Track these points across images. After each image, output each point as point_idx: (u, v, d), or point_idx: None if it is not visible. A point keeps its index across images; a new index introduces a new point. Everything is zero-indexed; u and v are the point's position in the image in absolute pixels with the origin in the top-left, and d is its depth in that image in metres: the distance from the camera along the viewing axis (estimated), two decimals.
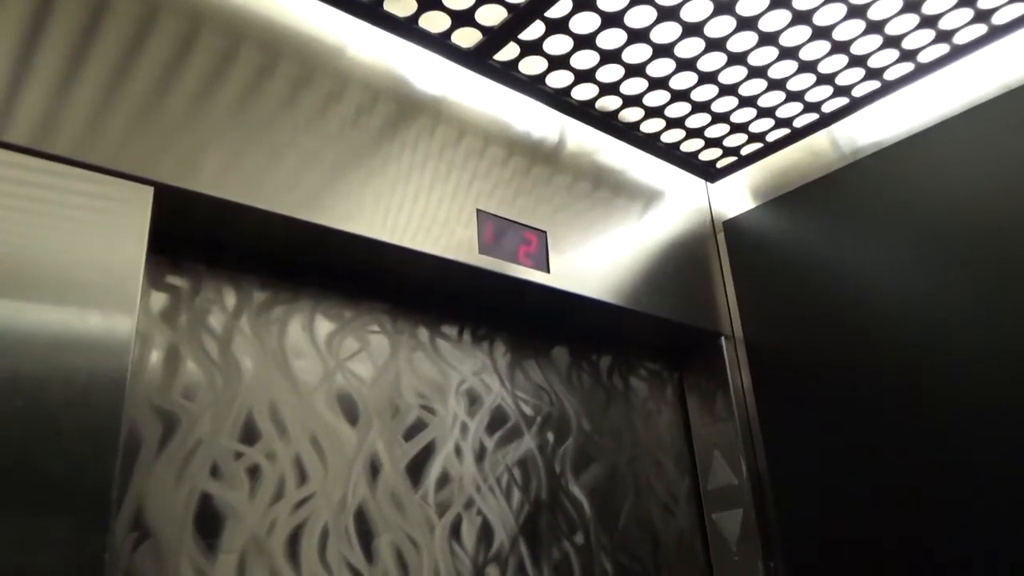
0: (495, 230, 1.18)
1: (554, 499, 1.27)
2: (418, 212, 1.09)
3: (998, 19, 1.24)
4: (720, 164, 1.61)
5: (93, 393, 0.73)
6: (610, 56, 1.24)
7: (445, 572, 1.08)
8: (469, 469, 1.17)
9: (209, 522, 0.89)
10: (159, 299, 0.94)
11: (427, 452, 1.13)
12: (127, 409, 0.77)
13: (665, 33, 1.20)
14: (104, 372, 0.74)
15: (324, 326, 1.08)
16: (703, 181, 1.69)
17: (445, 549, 1.09)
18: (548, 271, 1.23)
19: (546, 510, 1.25)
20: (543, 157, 1.33)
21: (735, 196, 1.64)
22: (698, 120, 1.44)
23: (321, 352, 1.06)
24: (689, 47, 1.24)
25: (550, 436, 1.31)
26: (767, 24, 1.20)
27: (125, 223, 0.80)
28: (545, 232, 1.26)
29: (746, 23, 1.19)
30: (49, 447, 0.69)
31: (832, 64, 1.31)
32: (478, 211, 1.17)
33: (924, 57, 1.32)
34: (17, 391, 0.69)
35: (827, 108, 1.44)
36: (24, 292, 0.72)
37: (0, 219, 0.73)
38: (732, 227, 1.61)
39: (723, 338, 1.54)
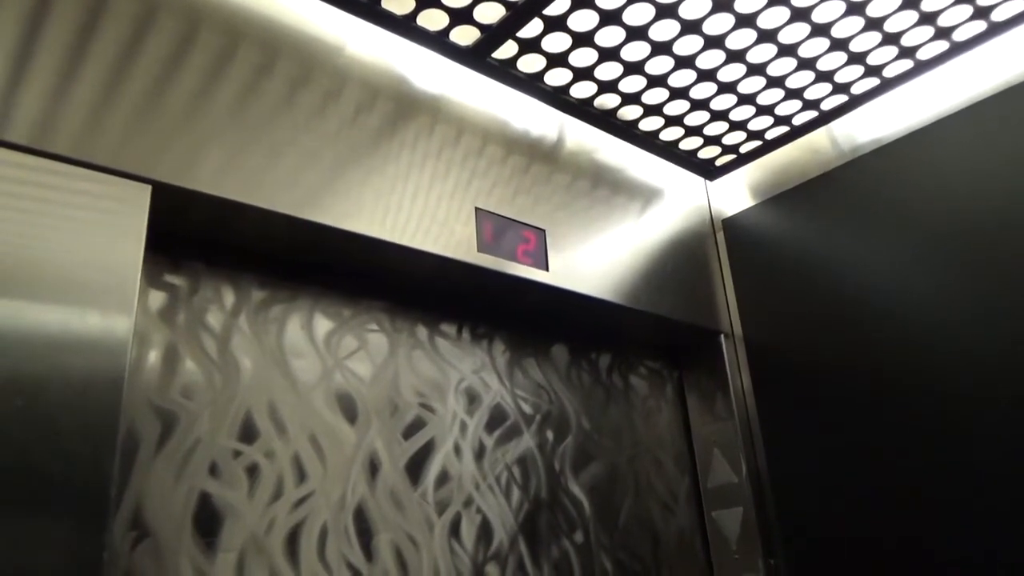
0: (494, 228, 1.18)
1: (554, 497, 1.27)
2: (417, 211, 1.09)
3: (997, 16, 1.23)
4: (719, 162, 1.61)
5: (91, 392, 0.73)
6: (609, 54, 1.24)
7: (445, 570, 1.08)
8: (468, 467, 1.17)
9: (208, 521, 0.89)
10: (157, 298, 0.94)
11: (426, 450, 1.12)
12: (125, 408, 0.77)
13: (663, 31, 1.20)
14: (102, 371, 0.74)
15: (323, 325, 1.08)
16: (702, 179, 1.68)
17: (444, 547, 1.09)
18: (547, 269, 1.23)
19: (546, 508, 1.25)
20: (542, 155, 1.33)
21: (734, 194, 1.63)
22: (697, 118, 1.44)
23: (320, 351, 1.06)
24: (688, 44, 1.24)
25: (549, 435, 1.31)
26: (766, 21, 1.20)
27: (123, 222, 0.80)
28: (544, 230, 1.26)
29: (745, 20, 1.19)
30: (48, 446, 0.69)
31: (831, 61, 1.31)
32: (477, 209, 1.17)
33: (923, 54, 1.31)
34: (16, 391, 0.69)
35: (826, 106, 1.44)
36: (22, 291, 0.72)
37: None
38: (731, 225, 1.61)
39: (723, 336, 1.53)
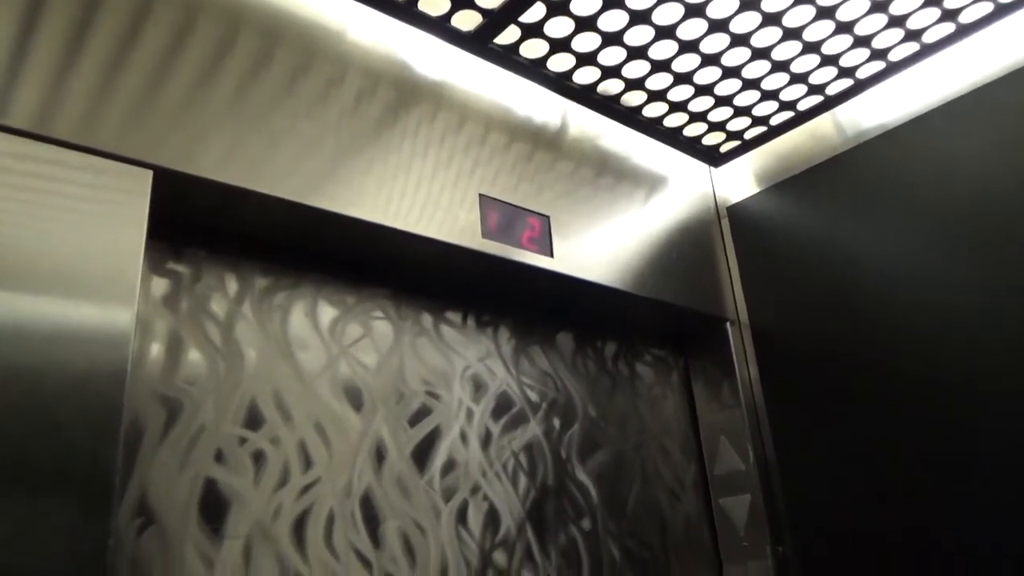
0: (498, 215, 1.17)
1: (561, 485, 1.26)
2: (420, 198, 1.08)
3: None
4: (723, 148, 1.60)
5: (94, 382, 0.72)
6: (612, 38, 1.23)
7: (452, 557, 1.07)
8: (475, 455, 1.16)
9: (214, 507, 0.88)
10: (160, 285, 0.93)
11: (432, 438, 1.12)
12: (129, 396, 0.76)
13: (667, 14, 1.19)
14: (105, 360, 0.73)
15: (327, 312, 1.07)
16: (707, 166, 1.68)
17: (452, 534, 1.08)
18: (552, 256, 1.22)
19: (553, 496, 1.24)
20: (545, 143, 1.32)
21: (739, 181, 1.63)
22: (701, 104, 1.43)
23: (324, 338, 1.05)
24: (692, 28, 1.23)
25: (556, 422, 1.31)
26: (770, 4, 1.19)
27: (125, 209, 0.80)
28: (548, 217, 1.25)
29: (749, 3, 1.18)
30: (50, 437, 0.69)
31: (836, 45, 1.30)
32: (481, 196, 1.16)
33: (929, 37, 1.30)
34: (18, 382, 0.68)
35: (831, 90, 1.43)
36: (23, 281, 0.71)
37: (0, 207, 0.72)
38: (736, 212, 1.60)
39: (728, 323, 1.53)
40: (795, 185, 1.50)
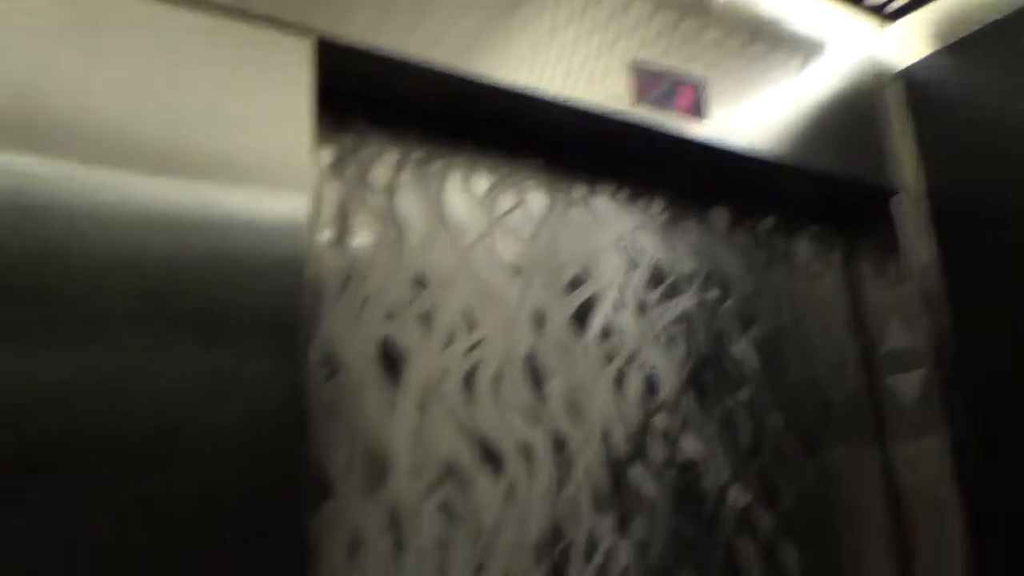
0: (649, 82, 1.14)
1: (718, 356, 1.25)
2: (563, 67, 1.07)
3: None
4: (893, 5, 1.46)
5: (279, 249, 0.79)
6: None
7: (615, 418, 1.09)
8: (631, 323, 1.16)
9: (389, 361, 0.94)
10: (325, 155, 0.97)
11: (588, 305, 1.13)
12: (307, 260, 0.81)
13: None
14: (285, 232, 0.79)
15: (482, 181, 1.09)
16: (874, 24, 1.53)
17: (612, 397, 1.10)
18: (704, 123, 1.17)
19: (710, 366, 1.23)
20: (693, 8, 1.25)
21: (912, 40, 1.48)
22: None
23: (480, 206, 1.07)
24: None
25: (710, 295, 1.28)
26: None
27: (289, 81, 0.84)
28: (700, 84, 1.20)
29: None
30: (245, 296, 0.76)
31: None
32: (629, 64, 1.13)
33: None
34: (209, 256, 0.75)
35: None
36: (202, 169, 0.77)
37: (171, 85, 0.77)
38: (908, 75, 1.47)
39: (897, 195, 1.42)
40: (976, 43, 1.36)
